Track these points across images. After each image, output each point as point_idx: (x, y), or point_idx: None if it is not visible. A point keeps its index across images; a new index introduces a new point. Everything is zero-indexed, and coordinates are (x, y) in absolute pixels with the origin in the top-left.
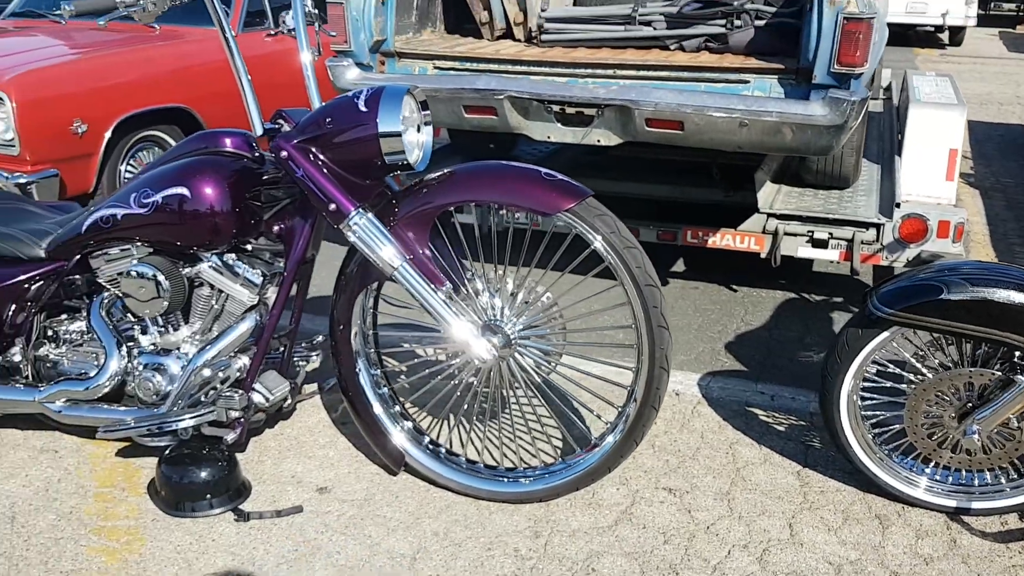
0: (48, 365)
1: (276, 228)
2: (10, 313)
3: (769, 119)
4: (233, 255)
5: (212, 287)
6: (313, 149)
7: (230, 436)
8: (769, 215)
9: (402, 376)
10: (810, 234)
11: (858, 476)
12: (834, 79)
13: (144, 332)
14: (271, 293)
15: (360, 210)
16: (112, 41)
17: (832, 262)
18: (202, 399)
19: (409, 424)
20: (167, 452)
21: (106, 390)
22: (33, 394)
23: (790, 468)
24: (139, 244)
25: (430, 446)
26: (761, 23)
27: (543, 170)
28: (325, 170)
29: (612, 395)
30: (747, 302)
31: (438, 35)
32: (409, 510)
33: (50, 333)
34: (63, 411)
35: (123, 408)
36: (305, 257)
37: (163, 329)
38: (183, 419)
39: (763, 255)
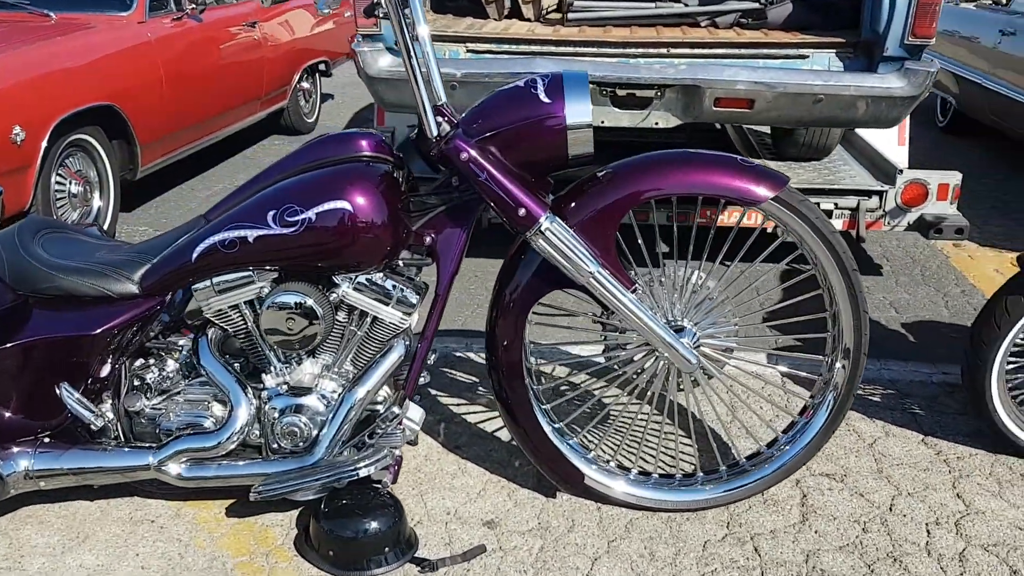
0: (143, 421)
1: (427, 239)
2: (98, 363)
3: (845, 94)
4: (380, 274)
5: (351, 312)
6: (492, 148)
7: (387, 477)
8: None
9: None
10: (816, 206)
11: (989, 439)
12: (906, 51)
13: (266, 371)
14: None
15: (550, 214)
16: (11, 33)
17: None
18: (365, 440)
19: (574, 440)
20: (323, 506)
21: (235, 443)
22: (145, 458)
23: (914, 438)
24: (262, 270)
25: (601, 462)
26: None
27: (737, 156)
28: (507, 171)
29: (783, 387)
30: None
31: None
32: (595, 534)
33: (137, 383)
34: (184, 473)
35: (263, 461)
36: (457, 270)
37: (289, 366)
38: (358, 467)
39: (770, 230)
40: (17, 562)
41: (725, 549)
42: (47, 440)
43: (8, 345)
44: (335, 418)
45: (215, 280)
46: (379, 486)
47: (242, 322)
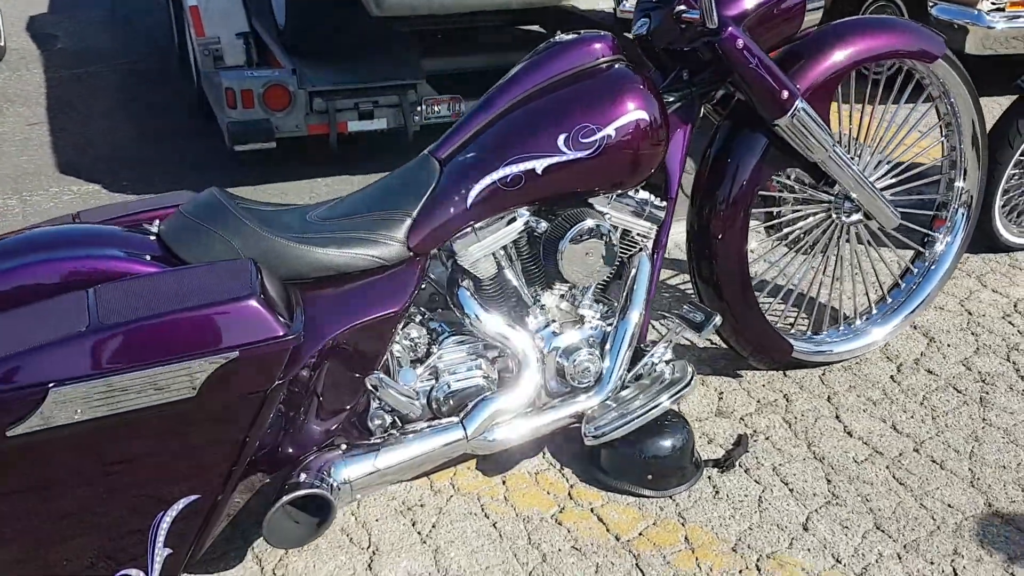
0: (410, 395)
1: None
2: (390, 344)
3: None
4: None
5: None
6: (747, 32)
7: None
8: None
9: None
10: None
11: (982, 243)
12: None
13: (525, 314)
14: None
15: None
16: None
17: None
18: (653, 361)
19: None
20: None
21: (537, 392)
22: (456, 432)
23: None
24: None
25: (796, 331)
26: None
27: (899, 19)
28: (764, 54)
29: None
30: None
31: None
32: (809, 399)
33: (390, 359)
34: (499, 437)
35: (560, 405)
36: (683, 170)
37: (540, 305)
38: (680, 390)
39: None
40: None
41: (912, 379)
42: (344, 445)
43: (319, 346)
44: (618, 347)
45: (476, 225)
46: None
47: (495, 268)
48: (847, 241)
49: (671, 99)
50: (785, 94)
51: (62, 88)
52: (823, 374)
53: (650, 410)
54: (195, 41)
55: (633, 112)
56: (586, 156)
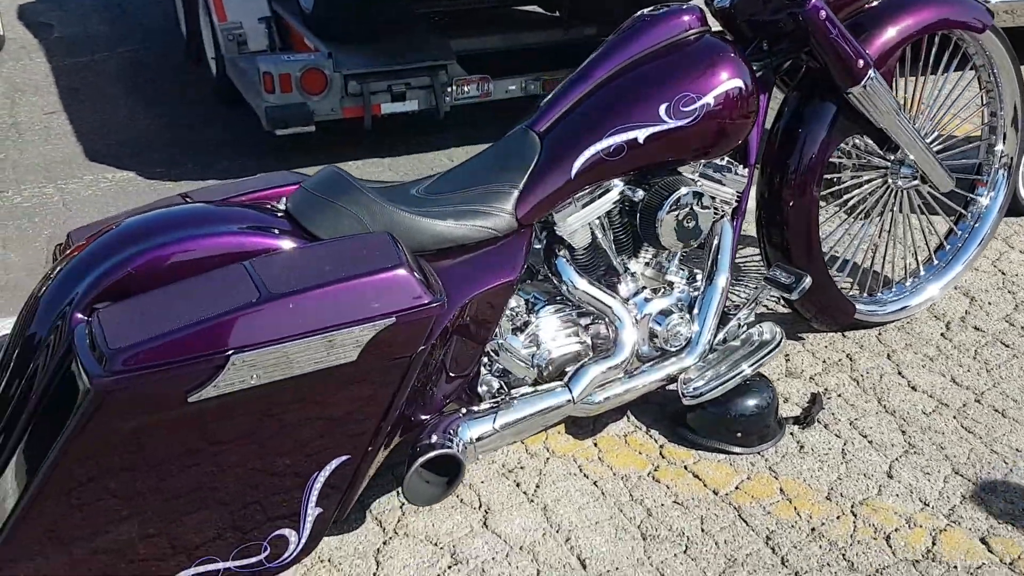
0: (520, 361)
1: None
2: (505, 311)
3: None
4: None
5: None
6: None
7: None
8: None
9: None
10: None
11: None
12: None
13: (619, 281)
14: None
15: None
16: None
17: None
18: (740, 321)
19: None
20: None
21: (633, 355)
22: (562, 395)
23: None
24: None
25: (854, 291)
26: None
27: None
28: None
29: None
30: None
31: None
32: (870, 356)
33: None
34: (599, 399)
35: (650, 369)
36: (762, 138)
37: (630, 272)
38: (769, 351)
39: None
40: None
41: (962, 336)
42: (463, 409)
43: (452, 313)
44: (707, 311)
45: (576, 195)
46: None
47: (589, 237)
48: (900, 209)
49: (753, 68)
50: (860, 63)
51: (69, 77)
52: (879, 334)
53: (743, 371)
54: (218, 27)
55: (729, 81)
56: (686, 124)
